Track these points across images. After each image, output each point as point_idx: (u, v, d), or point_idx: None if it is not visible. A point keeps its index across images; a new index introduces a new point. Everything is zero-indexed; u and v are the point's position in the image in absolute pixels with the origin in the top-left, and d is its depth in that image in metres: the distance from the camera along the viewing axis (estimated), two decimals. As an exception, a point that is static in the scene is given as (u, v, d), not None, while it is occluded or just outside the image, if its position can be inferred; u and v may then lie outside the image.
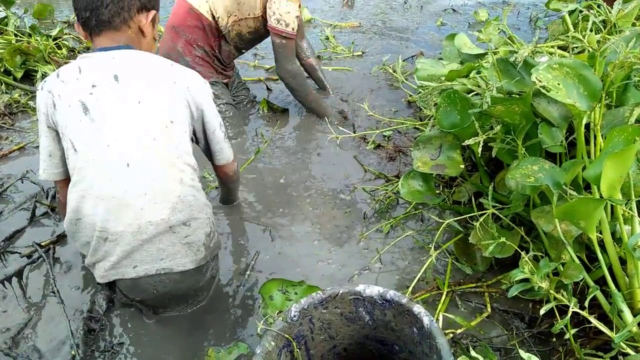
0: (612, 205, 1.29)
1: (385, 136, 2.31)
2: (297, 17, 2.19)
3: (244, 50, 2.41)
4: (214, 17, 2.18)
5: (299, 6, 2.25)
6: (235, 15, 2.20)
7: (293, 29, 2.16)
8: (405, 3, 3.94)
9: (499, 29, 2.43)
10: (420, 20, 3.66)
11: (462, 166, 1.57)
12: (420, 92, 2.08)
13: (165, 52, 2.23)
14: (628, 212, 1.25)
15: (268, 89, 2.70)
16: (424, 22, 3.63)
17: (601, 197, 1.14)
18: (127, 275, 1.30)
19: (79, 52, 2.99)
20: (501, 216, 1.44)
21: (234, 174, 1.67)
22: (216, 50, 2.29)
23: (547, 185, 1.23)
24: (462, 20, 3.64)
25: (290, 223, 1.83)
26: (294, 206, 1.91)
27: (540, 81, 1.23)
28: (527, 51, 1.50)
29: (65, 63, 2.87)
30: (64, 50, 2.96)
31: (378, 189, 1.93)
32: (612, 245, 1.23)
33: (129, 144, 1.23)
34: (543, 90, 1.21)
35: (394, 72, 2.14)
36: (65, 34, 3.19)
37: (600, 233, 1.24)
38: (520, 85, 1.51)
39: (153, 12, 1.33)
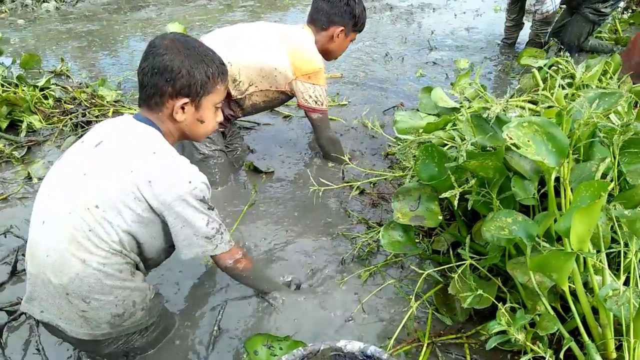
0: (583, 257, 1.34)
1: (370, 182, 2.35)
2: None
3: (248, 115, 2.46)
4: (234, 81, 2.20)
5: None
6: (256, 86, 2.23)
7: (327, 105, 2.35)
8: (387, 55, 4.09)
9: (471, 84, 2.56)
10: (400, 71, 3.80)
11: (440, 217, 1.62)
12: (399, 145, 2.15)
13: None
14: (599, 264, 1.29)
15: (251, 150, 2.74)
16: (404, 73, 3.77)
17: (571, 249, 1.18)
18: (35, 315, 1.33)
19: (65, 102, 3.03)
20: (479, 267, 1.47)
21: (231, 269, 1.50)
22: (222, 105, 2.31)
23: (521, 238, 1.27)
24: (441, 71, 3.79)
25: (272, 269, 1.84)
26: (277, 254, 1.93)
27: (511, 138, 1.30)
28: (499, 108, 1.58)
29: (51, 113, 2.91)
30: (51, 101, 3.00)
31: (359, 235, 1.96)
32: (584, 296, 1.27)
33: (52, 205, 1.27)
34: (514, 148, 1.27)
35: (373, 126, 2.21)
36: (52, 84, 3.23)
37: (574, 284, 1.27)
38: (494, 140, 1.58)
39: (184, 99, 1.35)
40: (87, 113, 2.89)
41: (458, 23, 4.99)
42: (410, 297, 1.58)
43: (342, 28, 2.28)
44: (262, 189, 2.37)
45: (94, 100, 2.98)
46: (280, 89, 2.27)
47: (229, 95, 2.23)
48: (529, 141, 1.31)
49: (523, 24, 4.19)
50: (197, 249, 1.36)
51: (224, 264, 1.47)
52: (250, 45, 2.20)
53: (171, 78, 1.31)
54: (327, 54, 2.39)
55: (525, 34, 4.14)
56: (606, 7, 3.57)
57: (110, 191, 1.25)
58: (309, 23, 2.34)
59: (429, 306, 1.65)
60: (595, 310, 1.30)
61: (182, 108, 1.36)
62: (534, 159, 1.26)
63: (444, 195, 1.46)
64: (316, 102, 2.28)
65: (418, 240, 1.85)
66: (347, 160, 2.11)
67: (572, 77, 2.34)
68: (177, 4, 5.33)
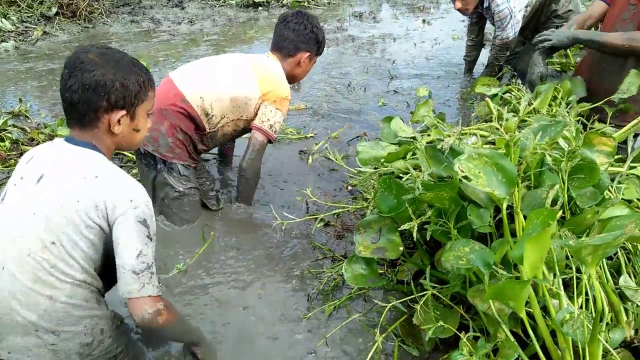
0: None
1: (334, 214, 2.37)
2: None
3: (216, 146, 2.49)
4: (206, 115, 2.21)
5: None
6: (228, 117, 2.27)
7: (276, 136, 2.35)
8: (349, 85, 4.17)
9: (429, 112, 2.62)
10: (363, 101, 3.87)
11: (401, 248, 1.63)
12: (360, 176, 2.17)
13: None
14: (555, 289, 1.33)
15: (209, 183, 2.72)
16: (367, 103, 3.85)
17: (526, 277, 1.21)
18: (2, 356, 1.28)
19: (22, 144, 2.96)
20: (441, 296, 1.49)
21: (149, 321, 1.28)
22: (196, 141, 2.31)
23: (478, 267, 1.30)
24: (402, 100, 3.88)
25: (235, 308, 1.81)
26: (239, 290, 1.90)
27: (462, 171, 1.33)
28: (452, 139, 1.62)
29: (8, 156, 2.84)
30: (7, 143, 2.93)
31: (324, 271, 1.96)
32: (542, 322, 1.30)
33: (8, 250, 1.25)
34: (464, 180, 1.31)
35: (334, 158, 2.24)
36: (9, 125, 3.17)
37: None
38: (449, 170, 1.62)
39: (122, 112, 1.33)
40: (45, 154, 2.83)
41: (418, 52, 5.13)
42: (375, 330, 1.58)
43: (308, 54, 2.39)
44: (224, 226, 2.35)
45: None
46: (251, 117, 2.31)
47: (202, 129, 2.25)
48: (479, 172, 1.35)
49: (483, 45, 4.36)
50: (124, 286, 1.25)
51: (141, 313, 1.26)
52: (221, 78, 2.24)
53: (105, 92, 1.29)
54: (293, 78, 2.49)
55: (484, 55, 4.29)
56: None
57: (62, 225, 1.24)
58: (274, 51, 2.42)
59: (395, 338, 1.65)
60: (554, 334, 1.33)
61: (119, 120, 1.34)
62: (484, 191, 1.30)
63: (402, 227, 1.48)
64: (271, 127, 2.30)
65: (382, 271, 1.86)
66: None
67: (526, 104, 2.43)
68: (139, 40, 5.33)
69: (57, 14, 5.51)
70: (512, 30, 3.72)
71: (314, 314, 1.77)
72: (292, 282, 1.96)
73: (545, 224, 1.20)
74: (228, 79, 2.24)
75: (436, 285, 1.51)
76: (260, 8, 6.54)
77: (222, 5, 6.55)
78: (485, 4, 3.72)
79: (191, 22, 5.91)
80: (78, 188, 1.26)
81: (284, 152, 3.07)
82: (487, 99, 2.42)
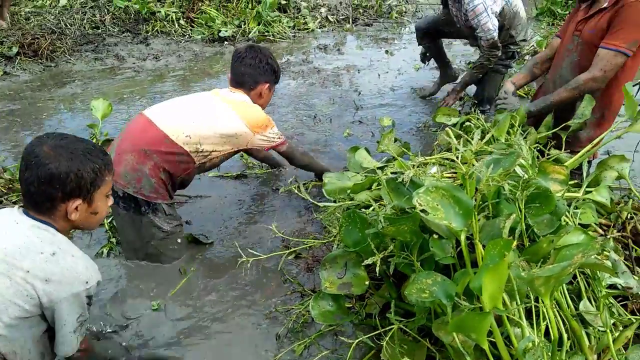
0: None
1: (307, 246, 2.36)
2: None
3: (199, 173, 2.53)
4: (197, 151, 2.25)
5: None
6: (219, 151, 2.34)
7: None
8: (315, 117, 4.22)
9: (391, 141, 2.67)
10: (329, 132, 3.92)
11: (367, 282, 1.64)
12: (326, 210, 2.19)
13: (127, 171, 2.17)
14: (516, 318, 1.35)
15: (188, 222, 2.70)
16: (333, 134, 3.89)
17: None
18: None
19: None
20: (407, 330, 1.49)
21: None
22: (179, 178, 2.31)
23: (440, 300, 1.31)
24: (367, 130, 3.94)
25: (205, 352, 1.77)
26: (210, 334, 1.87)
27: (420, 205, 1.36)
28: (412, 172, 1.66)
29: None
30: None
31: (293, 308, 1.94)
32: (505, 352, 1.31)
33: None
34: (422, 214, 1.33)
35: (299, 193, 2.25)
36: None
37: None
38: (410, 203, 1.65)
39: (78, 200, 1.40)
40: (3, 200, 2.76)
41: (382, 82, 5.25)
42: (345, 367, 1.57)
43: (268, 84, 2.54)
44: (196, 264, 2.31)
45: (12, 185, 2.85)
46: (241, 148, 2.47)
47: (190, 163, 2.27)
48: (437, 205, 1.38)
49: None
50: (67, 347, 1.41)
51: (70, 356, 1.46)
52: (205, 117, 2.29)
53: (60, 184, 1.36)
54: None
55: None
56: (511, 60, 3.93)
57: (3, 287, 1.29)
58: (235, 87, 2.52)
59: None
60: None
61: (76, 208, 1.41)
62: (442, 224, 1.32)
63: (365, 262, 1.49)
64: (279, 138, 2.55)
65: (351, 305, 1.86)
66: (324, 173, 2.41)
67: (483, 132, 2.50)
68: (103, 77, 5.30)
69: (18, 53, 5.43)
70: (493, 27, 3.50)
71: (285, 353, 1.75)
72: (262, 322, 1.94)
73: (502, 254, 1.23)
74: (212, 117, 2.31)
75: (402, 319, 1.51)
76: (226, 42, 6.60)
77: (188, 41, 6.58)
78: None
79: (156, 58, 5.91)
80: (31, 260, 1.31)
81: (255, 187, 3.06)
82: (447, 128, 2.49)
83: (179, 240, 2.35)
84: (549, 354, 1.21)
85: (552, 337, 1.23)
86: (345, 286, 1.63)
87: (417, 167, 1.85)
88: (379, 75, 5.51)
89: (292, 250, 2.09)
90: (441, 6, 4.19)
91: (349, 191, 2.38)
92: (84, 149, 1.42)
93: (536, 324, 1.33)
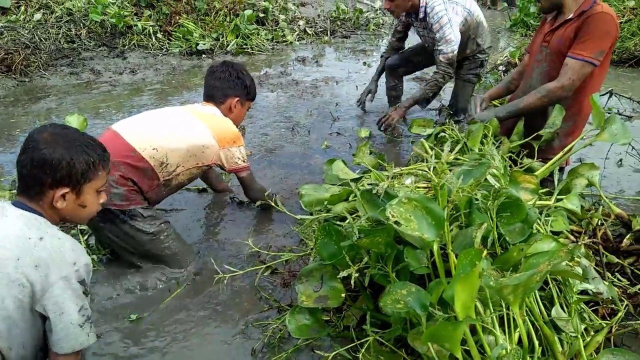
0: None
1: (284, 260, 2.35)
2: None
3: (167, 196, 2.48)
4: (161, 164, 2.23)
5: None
6: (184, 166, 2.32)
7: (247, 160, 2.53)
8: (293, 130, 4.24)
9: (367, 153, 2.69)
10: (307, 144, 3.94)
11: (343, 295, 1.64)
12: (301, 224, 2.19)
13: None
14: (489, 326, 1.36)
15: None
16: (311, 146, 3.91)
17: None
18: None
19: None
20: (383, 341, 1.50)
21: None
22: (149, 190, 2.28)
23: (414, 310, 1.32)
24: (345, 141, 3.97)
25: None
26: (186, 351, 1.85)
27: (393, 216, 1.37)
28: (386, 184, 1.67)
29: None
30: None
31: (270, 323, 1.93)
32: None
33: None
34: (395, 226, 1.34)
35: (276, 206, 2.25)
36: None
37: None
38: (385, 214, 1.66)
39: (64, 189, 1.42)
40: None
41: (359, 93, 5.29)
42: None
43: (237, 98, 2.54)
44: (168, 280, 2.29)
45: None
46: (207, 163, 2.40)
47: (155, 179, 2.25)
48: (410, 216, 1.40)
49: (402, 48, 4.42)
50: (73, 341, 1.38)
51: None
52: (175, 129, 2.29)
53: (51, 169, 1.39)
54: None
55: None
56: (481, 69, 4.04)
57: None
58: (206, 101, 2.55)
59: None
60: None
61: (63, 196, 1.43)
62: (414, 235, 1.34)
63: (341, 274, 1.50)
64: (243, 161, 2.50)
65: (328, 318, 1.86)
66: (274, 204, 2.25)
67: (457, 142, 2.54)
68: (79, 92, 5.24)
69: (-9, 68, 5.36)
70: (455, 39, 3.55)
71: None
72: (238, 338, 1.92)
73: (474, 263, 1.25)
74: (182, 129, 2.31)
75: (378, 331, 1.52)
76: (204, 55, 6.60)
77: (165, 54, 6.57)
78: (421, 14, 3.60)
79: (133, 72, 5.88)
80: (20, 248, 1.32)
81: (230, 200, 3.05)
82: (422, 140, 2.53)
83: (169, 237, 2.31)
84: (521, 361, 1.22)
85: (524, 345, 1.25)
86: (321, 299, 1.64)
87: (392, 178, 1.87)
88: (356, 86, 5.56)
89: (267, 265, 2.08)
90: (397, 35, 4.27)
91: (325, 203, 2.39)
92: (82, 141, 1.47)
93: (509, 331, 1.35)
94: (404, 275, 1.59)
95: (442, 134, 2.75)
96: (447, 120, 3.83)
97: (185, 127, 2.32)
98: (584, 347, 1.49)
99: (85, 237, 2.53)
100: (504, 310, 1.35)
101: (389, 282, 1.56)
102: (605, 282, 1.72)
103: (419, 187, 1.91)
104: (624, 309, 1.74)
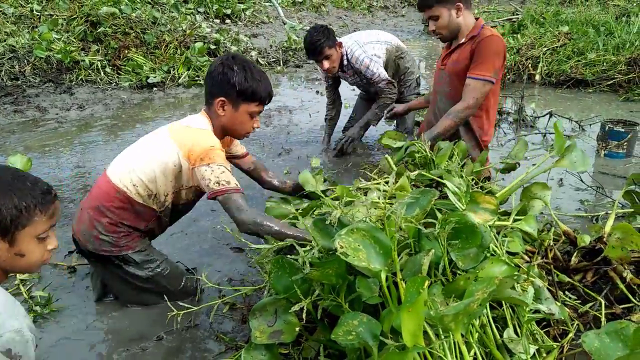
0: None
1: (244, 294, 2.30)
2: (232, 174, 2.12)
3: (181, 216, 2.39)
4: (149, 197, 2.11)
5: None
6: (172, 193, 2.17)
7: (236, 184, 2.07)
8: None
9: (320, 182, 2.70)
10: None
11: (298, 328, 1.63)
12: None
13: (85, 229, 2.11)
14: (440, 353, 1.38)
15: None
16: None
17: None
18: None
19: None
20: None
21: None
22: (147, 226, 2.21)
23: (365, 341, 1.32)
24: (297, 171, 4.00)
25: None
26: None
27: (341, 247, 1.38)
28: (338, 213, 1.69)
29: None
30: None
31: (227, 361, 1.90)
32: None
33: None
34: (342, 257, 1.36)
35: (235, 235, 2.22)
36: None
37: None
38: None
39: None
40: None
41: (313, 122, 5.37)
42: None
43: (222, 98, 2.14)
44: (123, 317, 2.21)
45: None
46: (194, 184, 2.16)
47: (152, 212, 2.16)
48: (359, 246, 1.41)
49: (341, 103, 4.60)
50: None
51: None
52: (143, 157, 2.13)
53: None
54: (230, 133, 2.29)
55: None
56: (419, 87, 4.38)
57: None
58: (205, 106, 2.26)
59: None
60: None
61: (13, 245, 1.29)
62: (360, 265, 1.35)
63: (292, 309, 1.49)
64: (219, 184, 2.03)
65: (287, 352, 1.83)
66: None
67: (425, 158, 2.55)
68: (24, 130, 5.07)
69: None
70: (383, 69, 3.92)
71: None
72: None
73: (418, 291, 1.26)
74: (149, 154, 2.12)
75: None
76: (155, 88, 6.53)
77: (115, 88, 6.46)
78: (345, 62, 3.94)
79: (81, 108, 5.74)
80: None
81: (192, 236, 3.00)
82: (386, 155, 2.58)
83: (168, 275, 2.25)
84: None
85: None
86: (276, 334, 1.61)
87: (345, 205, 1.88)
88: (309, 114, 5.64)
89: (223, 300, 2.04)
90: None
91: (291, 216, 2.33)
92: (11, 181, 1.29)
93: (461, 357, 1.37)
94: (358, 305, 1.59)
95: (412, 148, 2.77)
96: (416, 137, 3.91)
97: (155, 150, 2.11)
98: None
99: (29, 287, 2.41)
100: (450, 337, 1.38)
101: (343, 313, 1.56)
102: (557, 302, 1.77)
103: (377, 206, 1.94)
104: (575, 329, 1.80)
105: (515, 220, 2.14)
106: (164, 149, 2.10)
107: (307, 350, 1.83)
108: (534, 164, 3.73)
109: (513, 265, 1.68)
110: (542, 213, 2.58)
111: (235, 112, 2.18)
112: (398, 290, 1.55)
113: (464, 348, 1.26)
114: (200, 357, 1.99)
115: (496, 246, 1.88)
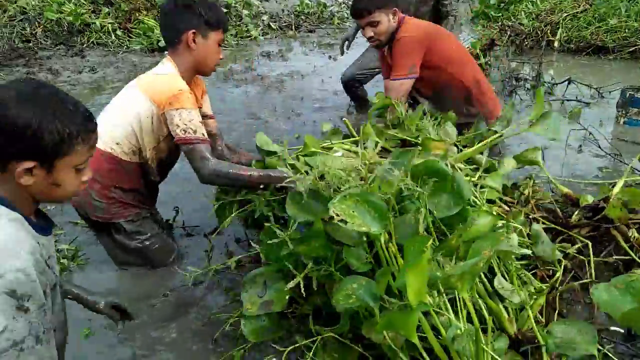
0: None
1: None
2: (201, 122, 2.07)
3: (163, 177, 2.37)
4: (134, 153, 2.11)
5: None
6: (154, 145, 2.14)
7: (203, 134, 2.03)
8: (259, 124, 4.21)
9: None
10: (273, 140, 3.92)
11: (287, 297, 1.61)
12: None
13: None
14: (442, 309, 1.38)
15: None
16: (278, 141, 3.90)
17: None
18: None
19: None
20: (337, 337, 1.51)
21: None
22: (138, 187, 2.22)
23: (367, 302, 1.32)
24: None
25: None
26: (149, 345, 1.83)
27: (337, 215, 1.36)
28: (308, 181, 1.65)
29: None
30: None
31: (231, 315, 1.92)
32: (436, 343, 1.33)
33: None
34: (341, 224, 1.34)
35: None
36: None
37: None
38: (312, 215, 1.62)
39: (31, 164, 1.13)
40: None
41: (325, 87, 5.30)
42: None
43: (192, 30, 2.06)
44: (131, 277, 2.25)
45: None
46: (169, 133, 2.07)
47: (143, 162, 2.16)
48: (353, 212, 1.39)
49: None
50: None
51: None
52: (116, 113, 2.10)
53: (11, 137, 1.10)
54: (201, 68, 2.19)
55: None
56: None
57: None
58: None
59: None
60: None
61: (30, 171, 1.14)
62: (360, 230, 1.34)
63: (288, 285, 1.50)
64: (185, 131, 1.98)
65: (290, 310, 1.82)
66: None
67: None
68: None
69: (-60, 70, 5.16)
70: None
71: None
72: (200, 328, 1.94)
73: (422, 250, 1.23)
74: (123, 111, 2.09)
75: (327, 328, 1.53)
76: (166, 52, 6.48)
77: (126, 52, 6.43)
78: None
79: (93, 70, 5.73)
80: None
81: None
82: (345, 119, 2.58)
83: (152, 251, 2.27)
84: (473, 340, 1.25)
85: (474, 321, 1.27)
86: (266, 305, 1.59)
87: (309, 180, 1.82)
88: (322, 80, 5.56)
89: (232, 260, 2.05)
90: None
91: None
92: (56, 104, 1.15)
93: (460, 311, 1.36)
94: (346, 274, 1.56)
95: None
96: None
97: (127, 105, 2.08)
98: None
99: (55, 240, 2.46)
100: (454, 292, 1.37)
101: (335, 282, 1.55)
102: (553, 245, 1.78)
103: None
104: (562, 269, 1.82)
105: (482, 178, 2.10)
106: (135, 101, 2.07)
107: (308, 305, 1.81)
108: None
109: (496, 214, 1.68)
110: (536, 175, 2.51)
111: (206, 42, 2.12)
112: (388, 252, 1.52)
113: (469, 304, 1.26)
114: (204, 312, 2.04)
115: (476, 197, 1.85)
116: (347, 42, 4.44)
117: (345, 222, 1.34)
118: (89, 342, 1.91)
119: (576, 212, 2.07)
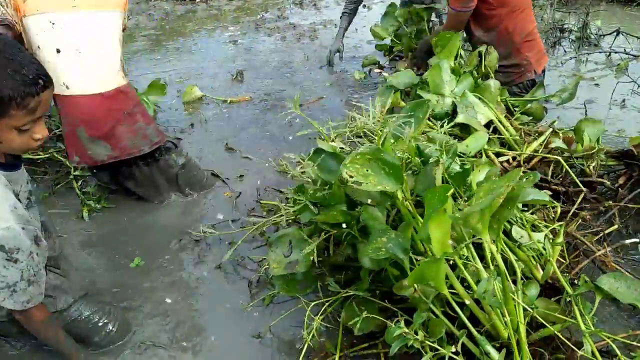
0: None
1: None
2: None
3: None
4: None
5: None
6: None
7: None
8: (291, 74, 4.17)
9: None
10: (306, 88, 3.90)
11: (312, 257, 1.60)
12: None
13: (127, 140, 2.24)
14: (469, 259, 1.39)
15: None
16: (311, 89, 3.87)
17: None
18: None
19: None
20: (360, 294, 1.55)
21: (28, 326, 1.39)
22: None
23: (396, 255, 1.33)
24: (343, 84, 3.92)
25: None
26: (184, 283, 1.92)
27: (351, 176, 1.34)
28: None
29: None
30: None
31: (265, 258, 1.99)
32: (465, 294, 1.35)
33: None
34: (355, 185, 1.32)
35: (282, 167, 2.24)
36: None
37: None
38: (333, 176, 1.59)
39: None
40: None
41: (359, 36, 5.17)
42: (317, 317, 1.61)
43: None
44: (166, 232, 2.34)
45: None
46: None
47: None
48: (367, 170, 1.36)
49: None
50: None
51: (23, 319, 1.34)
52: (92, 48, 2.10)
53: None
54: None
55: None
56: None
57: None
58: None
59: (339, 319, 1.67)
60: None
61: None
62: (376, 190, 1.33)
63: (305, 251, 1.53)
64: None
65: (321, 259, 1.85)
66: None
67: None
68: None
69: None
70: None
71: (256, 302, 1.86)
72: (233, 272, 2.03)
73: (443, 200, 1.22)
74: (92, 44, 2.10)
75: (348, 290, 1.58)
76: (198, 0, 6.41)
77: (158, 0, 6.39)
78: None
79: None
80: None
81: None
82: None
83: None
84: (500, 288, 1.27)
85: (501, 271, 1.26)
86: (291, 265, 1.61)
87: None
88: (356, 29, 5.40)
89: (251, 230, 2.06)
90: None
91: None
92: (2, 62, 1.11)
93: (488, 261, 1.36)
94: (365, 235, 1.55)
95: None
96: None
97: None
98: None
99: (80, 182, 2.56)
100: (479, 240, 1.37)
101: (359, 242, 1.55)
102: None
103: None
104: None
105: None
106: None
107: (337, 256, 1.83)
108: (596, 84, 3.59)
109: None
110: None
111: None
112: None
113: (493, 247, 1.25)
114: (237, 253, 2.11)
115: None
116: (338, 54, 4.29)
117: (360, 183, 1.32)
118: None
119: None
